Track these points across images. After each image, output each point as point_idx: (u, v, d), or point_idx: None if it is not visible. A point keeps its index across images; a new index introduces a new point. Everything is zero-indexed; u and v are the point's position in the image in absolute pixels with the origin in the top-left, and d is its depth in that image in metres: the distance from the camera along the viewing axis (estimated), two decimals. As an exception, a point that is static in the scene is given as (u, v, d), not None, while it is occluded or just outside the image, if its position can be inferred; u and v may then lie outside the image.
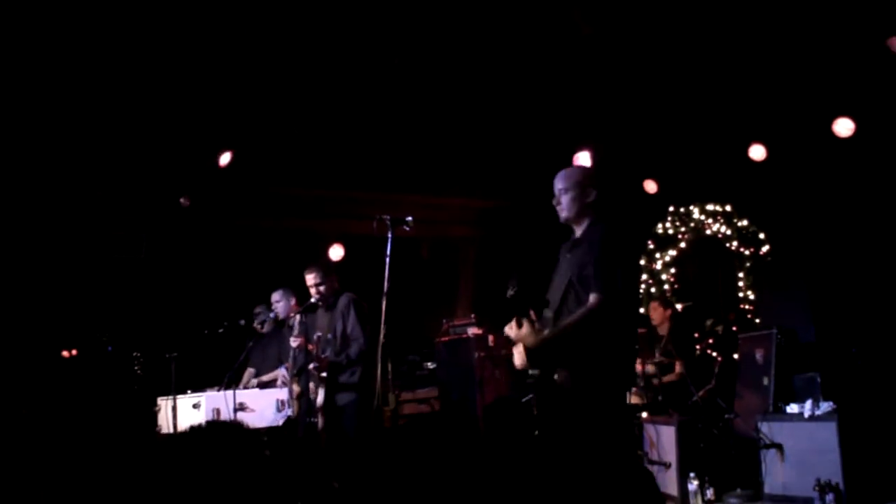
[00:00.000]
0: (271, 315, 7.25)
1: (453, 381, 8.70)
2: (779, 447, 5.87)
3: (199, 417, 6.54)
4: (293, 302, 7.20)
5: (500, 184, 9.71)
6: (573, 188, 4.36)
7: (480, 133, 8.45)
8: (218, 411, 6.64)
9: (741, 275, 9.06)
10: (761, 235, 9.10)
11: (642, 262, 9.57)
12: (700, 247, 9.52)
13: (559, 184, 4.43)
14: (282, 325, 7.34)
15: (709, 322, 8.33)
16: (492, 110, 8.00)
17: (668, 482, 6.24)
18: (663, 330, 7.76)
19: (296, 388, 6.77)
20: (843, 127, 7.54)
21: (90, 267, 8.62)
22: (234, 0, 5.89)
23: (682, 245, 9.53)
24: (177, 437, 2.95)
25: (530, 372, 4.23)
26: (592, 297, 4.11)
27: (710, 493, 5.97)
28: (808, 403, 5.78)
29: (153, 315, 8.70)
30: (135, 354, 8.78)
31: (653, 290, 9.42)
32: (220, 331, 7.24)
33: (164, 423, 6.76)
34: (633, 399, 7.20)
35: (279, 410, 6.94)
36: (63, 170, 7.85)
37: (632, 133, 8.42)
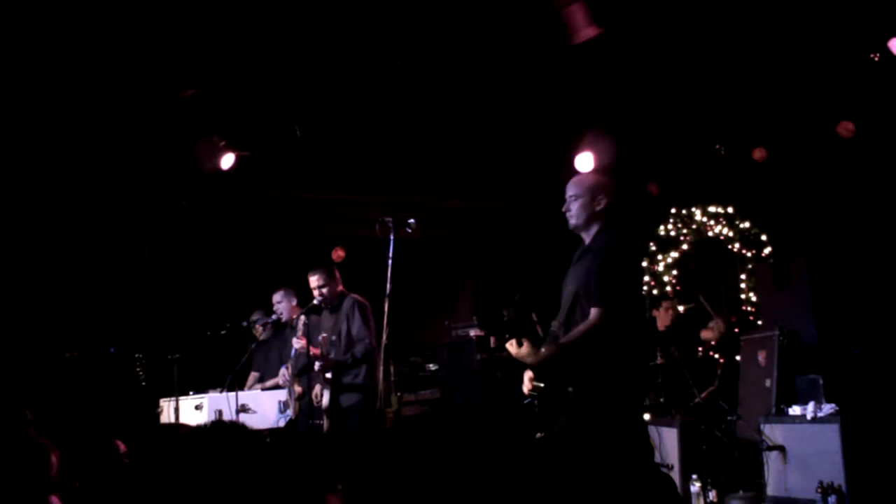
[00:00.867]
0: (273, 317, 7.24)
1: (455, 382, 8.70)
2: (781, 449, 5.87)
3: (202, 419, 6.55)
4: (294, 302, 7.20)
5: (503, 186, 9.70)
6: (584, 195, 4.31)
7: (482, 135, 8.45)
8: (220, 413, 6.65)
9: (743, 276, 9.06)
10: (763, 237, 9.10)
11: (644, 263, 9.57)
12: (702, 249, 9.52)
13: (570, 190, 4.37)
14: (283, 328, 7.34)
15: (711, 324, 8.32)
16: (494, 112, 7.99)
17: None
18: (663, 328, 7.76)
19: (297, 388, 6.78)
20: (845, 129, 7.54)
21: (93, 268, 8.63)
22: (240, 3, 5.88)
23: (685, 247, 9.53)
24: (181, 436, 2.94)
25: (535, 384, 4.21)
26: (593, 312, 4.08)
27: (712, 496, 5.97)
28: (811, 405, 5.78)
29: (156, 316, 8.71)
30: (137, 356, 8.79)
31: (655, 291, 9.42)
32: (223, 332, 7.24)
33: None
34: None
35: (281, 412, 6.95)
36: (66, 171, 7.85)
37: (634, 135, 8.41)
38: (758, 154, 8.34)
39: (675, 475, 6.26)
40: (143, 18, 5.84)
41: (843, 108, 7.60)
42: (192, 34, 6.12)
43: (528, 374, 4.25)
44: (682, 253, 9.52)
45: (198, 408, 6.75)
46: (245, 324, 7.39)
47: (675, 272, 9.49)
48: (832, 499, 5.31)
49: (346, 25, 6.22)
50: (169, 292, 8.91)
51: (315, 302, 6.52)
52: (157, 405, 7.20)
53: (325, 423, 6.24)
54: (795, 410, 5.91)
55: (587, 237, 4.38)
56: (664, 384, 7.16)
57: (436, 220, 9.62)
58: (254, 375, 7.61)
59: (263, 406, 6.91)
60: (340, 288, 6.64)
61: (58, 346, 8.52)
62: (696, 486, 5.98)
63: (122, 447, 3.50)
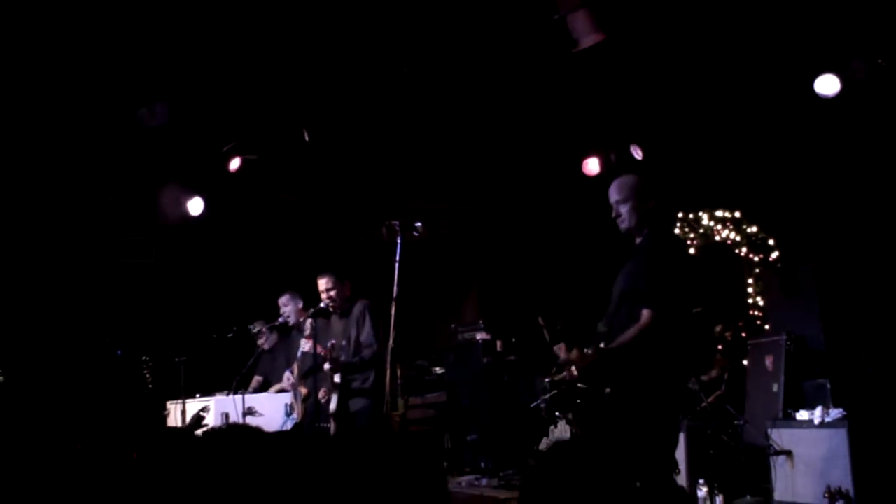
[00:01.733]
0: (280, 320, 7.23)
1: (462, 386, 8.70)
2: (788, 454, 5.86)
3: (208, 421, 6.56)
4: (300, 305, 7.20)
5: (509, 190, 9.71)
6: (633, 197, 4.26)
7: (489, 140, 8.46)
8: (227, 415, 6.67)
9: (750, 281, 9.04)
10: (771, 242, 9.08)
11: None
12: (709, 253, 9.50)
13: (615, 195, 4.32)
14: (289, 331, 7.34)
15: (718, 328, 8.30)
16: (501, 117, 8.00)
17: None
18: None
19: (303, 390, 6.79)
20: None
21: (100, 271, 8.65)
22: (248, 8, 5.89)
23: (692, 251, 9.51)
24: (195, 439, 2.95)
25: (578, 385, 4.20)
26: (645, 313, 4.03)
27: (719, 500, 5.94)
28: (819, 410, 5.76)
29: (162, 319, 8.73)
30: (144, 358, 8.80)
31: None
32: (229, 336, 7.26)
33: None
34: None
35: (287, 415, 6.96)
36: (74, 174, 7.88)
37: (641, 139, 8.41)
38: (764, 158, 8.32)
39: (682, 479, 6.24)
40: (154, 22, 5.86)
41: (850, 113, 7.57)
42: (203, 38, 6.14)
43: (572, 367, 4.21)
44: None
45: (204, 410, 6.76)
46: (251, 327, 7.41)
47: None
48: (839, 503, 5.30)
49: (355, 31, 6.23)
50: (176, 295, 8.93)
51: (322, 305, 6.51)
52: (164, 408, 7.22)
53: (332, 426, 6.23)
54: (803, 415, 5.89)
55: (639, 239, 4.33)
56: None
57: (442, 224, 9.63)
58: (257, 379, 7.61)
59: (269, 409, 6.92)
60: (349, 292, 6.62)
61: (65, 348, 8.55)
62: (702, 491, 5.96)
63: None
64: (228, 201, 8.76)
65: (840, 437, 5.51)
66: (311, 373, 6.49)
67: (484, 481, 7.70)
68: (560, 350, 4.16)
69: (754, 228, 9.18)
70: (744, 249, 9.19)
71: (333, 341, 6.28)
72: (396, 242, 5.34)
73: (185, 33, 6.03)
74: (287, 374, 6.95)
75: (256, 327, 7.47)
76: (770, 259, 9.02)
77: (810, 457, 5.71)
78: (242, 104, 7.25)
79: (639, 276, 4.13)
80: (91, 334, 8.71)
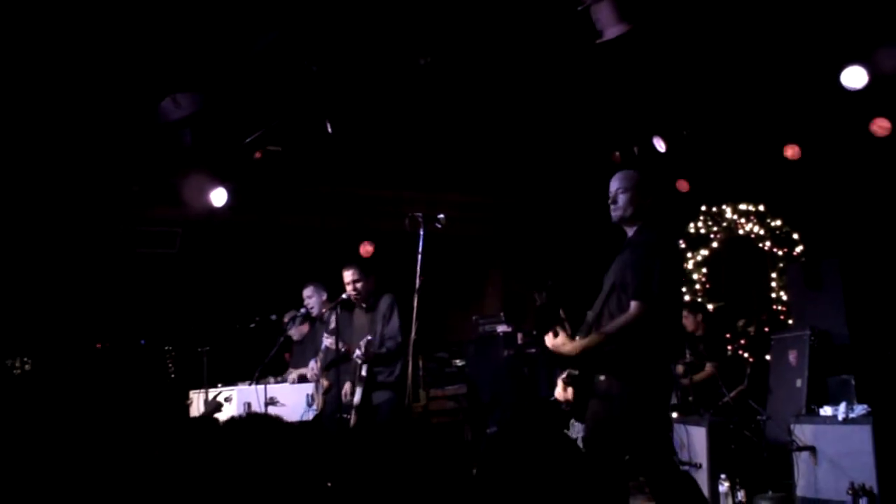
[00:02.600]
0: (302, 311, 7.26)
1: (482, 378, 8.70)
2: (812, 450, 5.82)
3: (230, 411, 6.61)
4: (324, 297, 7.21)
5: (531, 182, 9.69)
6: (632, 189, 4.37)
7: (512, 132, 8.44)
8: (249, 405, 6.71)
9: (774, 275, 8.97)
10: (795, 235, 9.01)
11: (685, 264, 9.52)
12: (733, 247, 9.45)
13: (616, 183, 4.42)
14: (313, 322, 7.37)
15: (741, 322, 8.26)
16: (523, 110, 7.98)
17: (699, 483, 6.19)
18: (699, 332, 7.71)
19: (325, 382, 6.81)
20: (880, 127, 7.44)
21: (124, 261, 8.72)
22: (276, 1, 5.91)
23: (715, 245, 9.46)
24: (217, 428, 2.97)
25: (570, 372, 4.32)
26: (633, 305, 4.15)
27: (741, 496, 5.92)
28: (843, 406, 5.71)
29: (186, 309, 8.79)
30: (167, 348, 8.88)
31: (683, 289, 9.36)
32: (252, 326, 7.29)
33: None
34: None
35: (309, 405, 6.99)
36: (99, 165, 7.94)
37: (664, 131, 8.36)
38: (789, 152, 8.25)
39: (704, 474, 6.22)
40: (179, 13, 5.88)
41: (877, 106, 7.49)
42: (229, 31, 6.16)
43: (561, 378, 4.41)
44: (712, 251, 9.45)
45: (227, 400, 6.81)
46: (273, 317, 7.44)
47: (704, 270, 9.43)
48: (863, 501, 5.26)
49: (379, 23, 6.23)
50: (199, 286, 8.99)
51: (344, 296, 6.51)
52: (187, 397, 7.28)
53: (353, 418, 6.25)
54: (827, 411, 5.85)
55: (630, 231, 4.43)
56: (693, 383, 7.12)
57: (464, 216, 9.63)
58: (295, 374, 7.65)
59: (291, 399, 6.95)
60: (373, 286, 6.61)
61: (89, 337, 8.63)
62: (724, 486, 5.94)
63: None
64: (252, 192, 8.80)
65: (864, 433, 5.46)
66: (333, 365, 6.50)
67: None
68: (548, 337, 4.32)
69: (778, 222, 9.11)
70: (767, 243, 9.13)
71: (370, 337, 6.26)
72: (419, 234, 5.32)
73: (214, 21, 6.05)
74: (312, 364, 6.98)
75: (288, 315, 7.50)
76: (794, 253, 8.96)
77: (834, 453, 5.67)
78: (267, 95, 7.27)
79: (627, 268, 4.24)
80: (115, 324, 8.80)
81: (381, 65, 6.89)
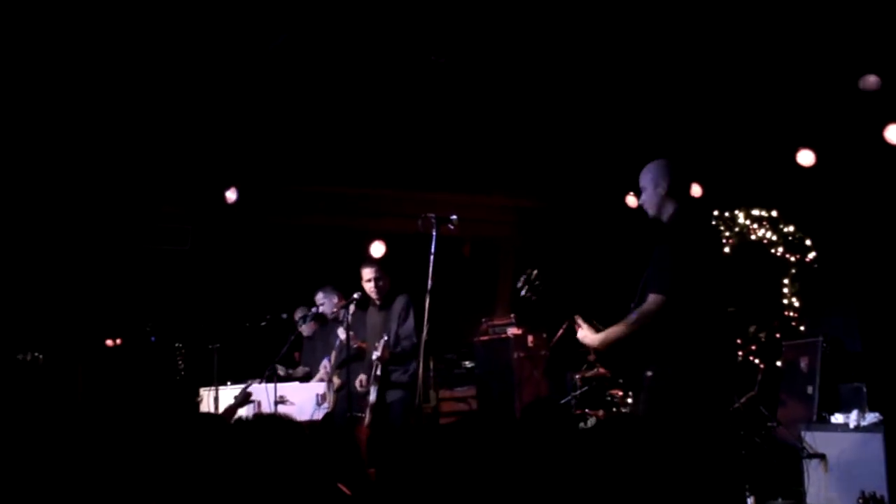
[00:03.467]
0: (314, 310, 7.26)
1: (492, 380, 8.70)
2: (822, 457, 5.80)
3: (241, 409, 6.62)
4: (335, 300, 7.21)
5: (543, 184, 9.67)
6: (648, 184, 4.39)
7: (524, 133, 8.43)
8: (259, 404, 6.72)
9: (786, 281, 8.93)
10: (808, 242, 8.96)
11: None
12: (745, 252, 9.40)
13: (640, 183, 4.45)
14: (325, 322, 7.38)
15: (752, 328, 8.22)
16: (536, 111, 7.97)
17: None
18: None
19: (336, 380, 6.82)
20: (895, 134, 7.40)
21: (136, 258, 8.75)
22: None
23: (727, 250, 9.42)
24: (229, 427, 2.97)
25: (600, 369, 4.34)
26: (649, 297, 4.14)
27: (750, 502, 5.90)
28: (854, 414, 5.69)
29: (196, 307, 8.81)
30: (178, 345, 8.91)
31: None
32: (262, 324, 7.31)
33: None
34: None
35: (318, 404, 7.00)
36: (110, 161, 7.96)
37: (676, 135, 8.33)
38: (803, 157, 8.21)
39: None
40: (180, 13, 5.89)
41: (892, 111, 7.46)
42: (232, 29, 6.17)
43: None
44: (724, 256, 9.41)
45: (237, 398, 6.82)
46: (284, 315, 7.45)
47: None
48: (874, 509, 5.24)
49: (388, 19, 6.23)
50: (210, 283, 9.01)
51: (356, 295, 6.52)
52: (197, 394, 7.29)
53: (368, 416, 6.27)
54: (838, 418, 5.83)
55: (663, 224, 4.42)
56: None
57: (475, 217, 9.62)
58: (302, 370, 7.67)
59: (301, 398, 6.96)
60: (389, 286, 6.62)
61: (101, 334, 8.66)
62: (734, 492, 5.92)
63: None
64: (262, 191, 8.82)
65: (876, 441, 5.45)
66: (345, 363, 6.51)
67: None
68: (578, 327, 4.38)
69: (791, 228, 9.06)
70: (780, 249, 9.08)
71: (386, 337, 6.28)
72: (432, 235, 5.33)
73: (217, 20, 6.06)
74: (324, 363, 6.99)
75: (299, 310, 7.51)
76: (807, 259, 8.91)
77: (844, 461, 5.65)
78: (276, 93, 7.28)
79: (651, 263, 4.25)
80: (126, 321, 8.82)
81: (395, 63, 6.90)
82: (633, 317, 4.20)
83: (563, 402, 7.21)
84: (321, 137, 8.03)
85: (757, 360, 8.23)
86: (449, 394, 8.86)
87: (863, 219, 8.00)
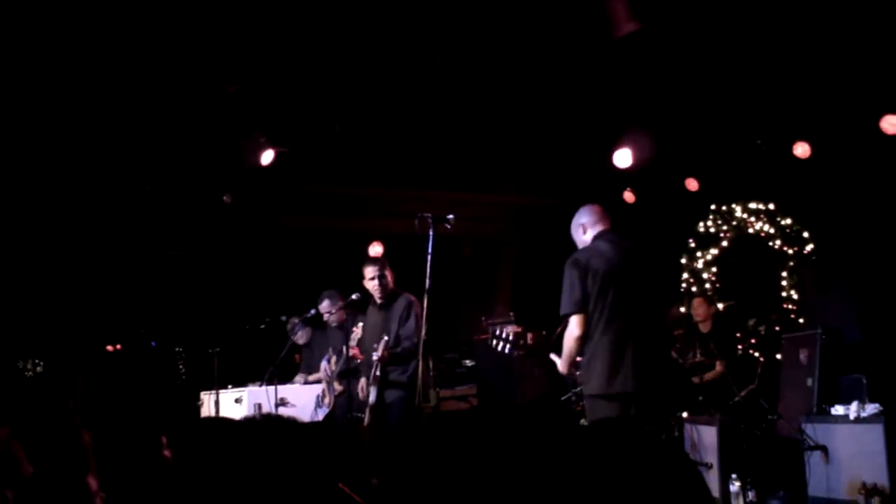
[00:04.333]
0: (312, 312, 7.24)
1: (492, 378, 8.70)
2: (823, 449, 5.80)
3: (241, 412, 6.63)
4: (340, 304, 7.10)
5: (541, 182, 9.67)
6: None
7: (521, 132, 8.43)
8: (259, 406, 6.72)
9: (784, 274, 8.94)
10: (805, 234, 8.97)
11: (683, 260, 9.49)
12: (742, 246, 9.41)
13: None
14: (323, 325, 7.36)
15: (751, 322, 8.22)
16: (532, 108, 7.97)
17: (710, 483, 6.17)
18: (705, 328, 7.69)
19: (338, 387, 6.82)
20: (890, 124, 7.41)
21: (135, 263, 8.76)
22: (281, 1, 5.92)
23: (725, 244, 9.43)
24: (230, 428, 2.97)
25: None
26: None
27: (752, 495, 5.90)
28: (854, 405, 5.69)
29: (196, 311, 8.82)
30: (178, 349, 8.92)
31: (693, 288, 9.34)
32: (262, 327, 7.31)
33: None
34: None
35: (319, 406, 7.00)
36: (109, 167, 7.97)
37: (673, 130, 8.34)
38: (799, 150, 8.22)
39: (714, 474, 6.21)
40: (186, 16, 5.90)
41: (888, 104, 7.46)
42: (236, 31, 6.17)
43: None
44: (722, 250, 9.43)
45: (237, 401, 6.84)
46: (284, 318, 7.45)
47: (714, 269, 9.40)
48: (875, 500, 5.24)
49: (387, 21, 6.23)
50: (209, 287, 9.01)
51: (354, 297, 6.51)
52: (198, 398, 7.30)
53: (367, 417, 6.26)
54: (838, 410, 5.83)
55: None
56: (703, 382, 7.11)
57: (474, 216, 9.63)
58: (303, 376, 7.65)
59: (301, 400, 6.97)
60: (392, 285, 6.58)
61: (101, 339, 8.67)
62: (735, 486, 5.93)
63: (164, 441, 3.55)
64: (261, 194, 8.82)
65: (876, 432, 5.44)
66: (348, 374, 6.52)
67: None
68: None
69: (788, 220, 9.07)
70: (777, 242, 9.09)
71: (386, 338, 6.27)
72: (429, 235, 5.32)
73: (220, 22, 6.06)
74: (324, 365, 6.99)
75: (290, 323, 7.48)
76: (804, 252, 8.92)
77: (845, 452, 5.65)
78: (275, 96, 7.29)
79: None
80: (126, 325, 8.83)
81: (392, 64, 6.90)
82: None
83: (563, 399, 7.22)
84: (318, 139, 8.03)
85: (756, 354, 8.24)
86: (450, 392, 8.87)
87: (860, 210, 8.01)
